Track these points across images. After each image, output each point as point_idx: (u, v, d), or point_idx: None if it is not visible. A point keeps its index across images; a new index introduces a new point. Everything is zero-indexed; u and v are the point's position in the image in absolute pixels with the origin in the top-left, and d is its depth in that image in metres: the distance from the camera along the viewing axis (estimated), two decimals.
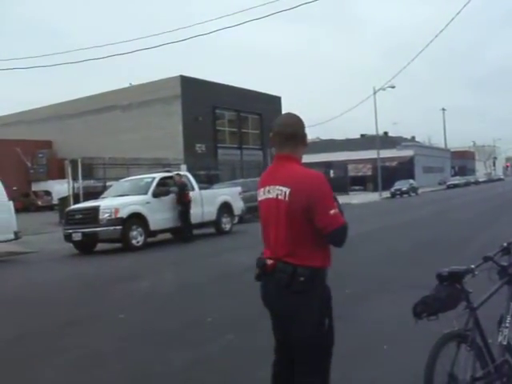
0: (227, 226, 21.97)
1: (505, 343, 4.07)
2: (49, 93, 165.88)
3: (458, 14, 44.40)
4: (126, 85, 52.07)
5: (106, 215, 17.49)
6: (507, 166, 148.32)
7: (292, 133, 3.61)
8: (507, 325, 4.13)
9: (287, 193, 3.46)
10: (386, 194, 55.02)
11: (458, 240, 14.79)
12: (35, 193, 49.80)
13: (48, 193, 47.89)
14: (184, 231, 19.44)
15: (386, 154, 68.02)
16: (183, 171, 24.71)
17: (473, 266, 3.88)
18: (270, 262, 3.55)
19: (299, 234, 3.46)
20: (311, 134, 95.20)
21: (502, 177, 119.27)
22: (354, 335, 6.53)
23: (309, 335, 3.49)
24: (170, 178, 20.00)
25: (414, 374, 4.63)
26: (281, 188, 3.50)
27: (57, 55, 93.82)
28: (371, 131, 71.23)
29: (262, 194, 3.68)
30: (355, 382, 5.12)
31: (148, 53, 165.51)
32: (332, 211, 3.40)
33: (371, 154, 64.98)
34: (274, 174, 3.63)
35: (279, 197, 3.50)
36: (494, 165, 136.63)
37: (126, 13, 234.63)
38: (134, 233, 17.83)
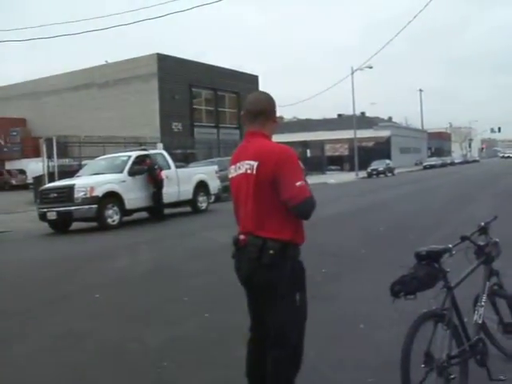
0: (203, 205, 21.90)
1: (480, 322, 4.10)
2: (23, 69, 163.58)
3: None
4: (102, 62, 51.54)
5: (81, 194, 17.33)
6: (482, 148, 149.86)
7: (261, 109, 3.69)
8: (483, 304, 4.16)
9: (255, 166, 3.51)
10: (363, 173, 55.21)
11: (433, 220, 14.87)
12: (9, 171, 49.15)
13: (22, 171, 47.24)
14: (157, 210, 19.36)
15: (362, 134, 68.28)
16: (159, 149, 24.57)
17: (450, 246, 3.88)
18: (242, 237, 3.60)
19: (268, 207, 3.50)
20: (288, 114, 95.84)
21: (477, 158, 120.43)
22: (330, 314, 6.56)
23: (280, 310, 3.53)
24: (147, 156, 19.83)
25: (389, 352, 4.65)
26: (249, 162, 3.56)
27: (29, 29, 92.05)
28: (348, 111, 71.53)
29: (233, 171, 3.73)
30: (331, 362, 5.10)
31: (124, 30, 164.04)
32: (298, 183, 3.43)
33: (348, 133, 65.15)
34: (244, 151, 3.69)
35: (248, 171, 3.56)
36: (470, 146, 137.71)
37: None
38: (110, 211, 17.71)
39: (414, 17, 73.92)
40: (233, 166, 3.74)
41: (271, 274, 3.49)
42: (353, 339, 5.72)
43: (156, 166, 19.33)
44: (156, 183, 18.98)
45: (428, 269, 3.73)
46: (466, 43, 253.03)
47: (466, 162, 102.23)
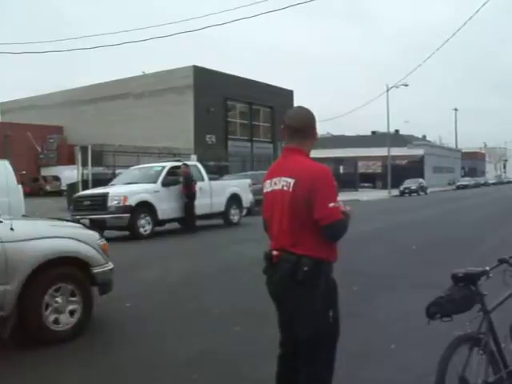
0: (236, 218, 21.86)
1: None
2: (61, 78, 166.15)
3: (476, 12, 43.86)
4: (139, 73, 52.10)
5: (115, 202, 17.45)
6: None
7: (301, 126, 3.69)
8: None
9: (292, 183, 3.53)
10: (395, 192, 54.82)
11: (468, 241, 14.68)
12: (44, 178, 49.80)
13: (57, 178, 47.86)
14: (188, 222, 19.41)
15: (396, 152, 67.80)
16: (193, 161, 24.66)
17: (488, 268, 3.81)
18: (275, 253, 3.61)
19: (303, 225, 3.50)
20: (322, 130, 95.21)
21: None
22: (361, 333, 6.48)
23: (313, 326, 3.53)
24: (180, 167, 19.92)
25: (422, 374, 4.58)
26: (286, 179, 3.57)
27: (70, 41, 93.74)
28: (382, 128, 71.26)
29: (269, 186, 3.74)
30: (361, 381, 5.05)
31: (161, 42, 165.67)
32: (331, 204, 3.45)
33: (382, 151, 64.77)
34: (281, 166, 3.71)
35: (284, 188, 3.57)
36: (505, 167, 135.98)
37: (141, 1, 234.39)
38: (142, 221, 17.79)
39: (453, 34, 73.51)
40: (268, 181, 3.75)
41: (305, 291, 3.50)
42: (384, 359, 5.65)
43: (192, 177, 19.41)
44: (190, 194, 19.03)
45: (465, 291, 3.66)
46: (503, 64, 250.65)
47: (501, 182, 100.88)
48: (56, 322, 6.42)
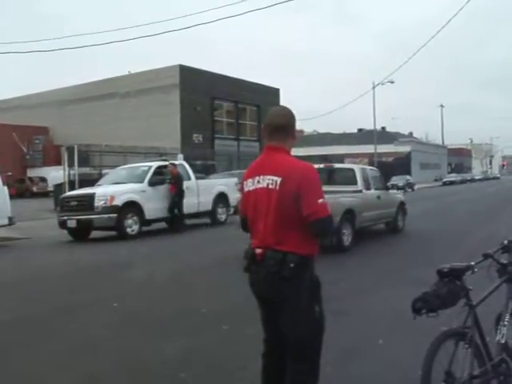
0: (223, 217, 21.84)
1: (502, 341, 4.03)
2: (47, 78, 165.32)
3: (460, 9, 44.05)
4: (125, 72, 51.94)
5: (102, 202, 17.39)
6: (503, 165, 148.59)
7: (281, 124, 3.73)
8: (505, 323, 4.10)
9: (278, 182, 3.55)
10: None
11: (454, 237, 14.76)
12: (30, 179, 49.57)
13: (43, 179, 47.64)
14: (177, 220, 19.39)
15: (383, 149, 67.99)
16: (180, 160, 24.62)
17: (473, 263, 3.83)
18: (259, 251, 3.62)
19: (289, 222, 3.53)
20: (308, 127, 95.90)
21: (498, 175, 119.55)
22: (349, 329, 6.51)
23: (299, 322, 3.56)
24: (167, 167, 19.90)
25: (409, 369, 4.61)
26: (272, 177, 3.59)
27: (56, 40, 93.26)
28: (369, 126, 71.41)
29: (251, 185, 3.75)
30: (348, 377, 5.07)
31: (147, 41, 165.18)
32: (320, 200, 3.50)
33: (368, 148, 64.98)
34: (263, 165, 3.73)
35: (270, 186, 3.59)
36: (491, 163, 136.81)
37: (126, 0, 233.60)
38: (129, 221, 17.74)
39: (438, 31, 74.15)
40: (250, 180, 3.77)
41: (291, 288, 3.53)
42: (371, 355, 5.67)
43: (182, 177, 19.38)
44: (179, 193, 18.99)
45: (450, 286, 3.68)
46: (489, 60, 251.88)
47: (487, 178, 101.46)
48: None
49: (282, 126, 3.71)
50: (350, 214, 13.04)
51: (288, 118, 3.77)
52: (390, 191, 17.29)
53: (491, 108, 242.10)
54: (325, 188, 3.97)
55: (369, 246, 14.11)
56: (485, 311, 3.95)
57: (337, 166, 16.57)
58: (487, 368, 3.79)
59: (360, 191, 14.50)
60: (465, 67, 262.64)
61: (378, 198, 15.16)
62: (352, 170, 15.42)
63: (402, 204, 16.81)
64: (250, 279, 3.75)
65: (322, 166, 14.64)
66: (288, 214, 3.51)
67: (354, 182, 14.75)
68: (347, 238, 12.87)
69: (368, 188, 15.01)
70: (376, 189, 15.50)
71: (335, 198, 12.11)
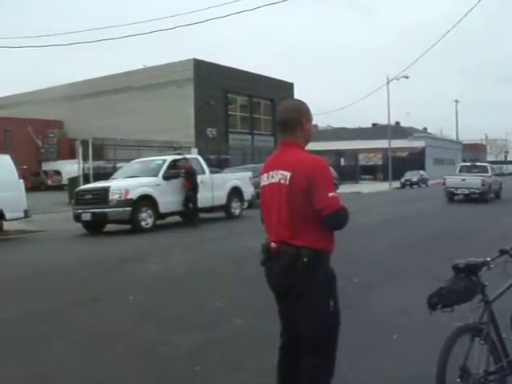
0: (237, 211, 21.88)
1: None
2: (63, 72, 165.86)
3: (477, 3, 43.55)
4: (140, 66, 51.99)
5: (116, 196, 17.46)
6: None
7: (288, 119, 3.73)
8: None
9: (288, 177, 3.57)
10: (396, 184, 54.81)
11: (467, 232, 14.71)
12: (45, 172, 49.80)
13: (58, 172, 47.84)
14: (191, 214, 19.44)
15: (397, 144, 67.62)
16: (194, 154, 24.67)
17: (489, 259, 3.83)
18: (274, 245, 3.64)
19: (301, 217, 3.54)
20: (322, 122, 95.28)
21: None
22: (363, 324, 6.50)
23: (314, 316, 3.58)
24: (186, 159, 19.93)
25: (424, 365, 4.60)
26: (283, 172, 3.61)
27: (72, 34, 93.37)
28: (383, 121, 70.99)
29: (266, 180, 3.78)
30: (363, 373, 5.06)
31: (162, 35, 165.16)
32: (331, 194, 3.49)
33: (382, 143, 64.60)
34: (277, 160, 3.75)
35: (281, 181, 3.61)
36: (506, 159, 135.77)
37: None
38: (144, 214, 17.80)
39: (453, 26, 73.57)
40: (265, 174, 3.79)
41: (305, 282, 3.54)
42: (386, 350, 5.67)
43: (195, 171, 19.40)
44: (193, 187, 19.03)
45: (466, 282, 3.68)
46: (505, 55, 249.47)
47: (502, 174, 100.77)
48: None
49: (287, 121, 3.72)
50: None
51: (294, 112, 3.75)
52: None
53: (507, 103, 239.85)
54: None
55: (377, 240, 14.07)
56: (501, 307, 3.94)
57: None
58: (503, 365, 3.78)
59: None
60: (480, 63, 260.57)
61: None
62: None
63: None
64: (265, 273, 3.77)
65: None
66: (300, 208, 3.52)
67: None
68: None
69: None
70: None
71: None
